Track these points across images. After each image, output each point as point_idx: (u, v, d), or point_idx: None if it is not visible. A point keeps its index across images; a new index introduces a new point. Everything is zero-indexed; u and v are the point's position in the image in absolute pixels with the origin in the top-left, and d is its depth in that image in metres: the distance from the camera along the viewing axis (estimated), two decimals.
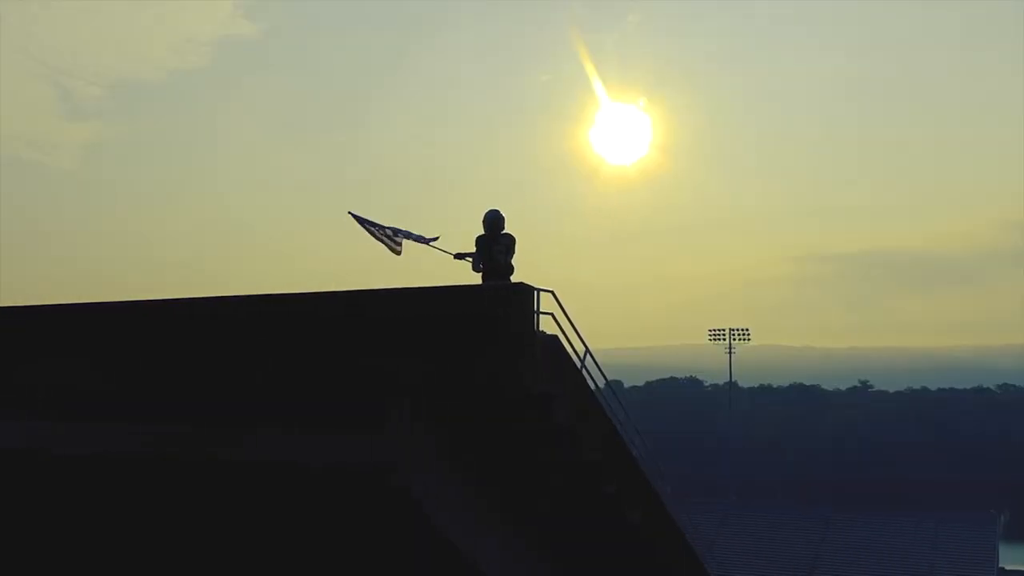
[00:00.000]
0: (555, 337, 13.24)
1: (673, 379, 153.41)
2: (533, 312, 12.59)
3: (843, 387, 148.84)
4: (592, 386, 14.41)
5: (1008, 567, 58.94)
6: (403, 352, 12.61)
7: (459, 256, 14.91)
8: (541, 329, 12.81)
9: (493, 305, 12.49)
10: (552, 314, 13.21)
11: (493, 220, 14.63)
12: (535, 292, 12.66)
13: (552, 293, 13.11)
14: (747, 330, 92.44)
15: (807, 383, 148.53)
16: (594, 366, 14.38)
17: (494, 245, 14.48)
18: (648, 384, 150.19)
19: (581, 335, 13.76)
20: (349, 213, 15.08)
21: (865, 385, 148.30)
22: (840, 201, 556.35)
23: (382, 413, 12.50)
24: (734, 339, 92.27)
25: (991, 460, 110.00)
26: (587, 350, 14.00)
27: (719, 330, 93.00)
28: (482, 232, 14.70)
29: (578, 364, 13.92)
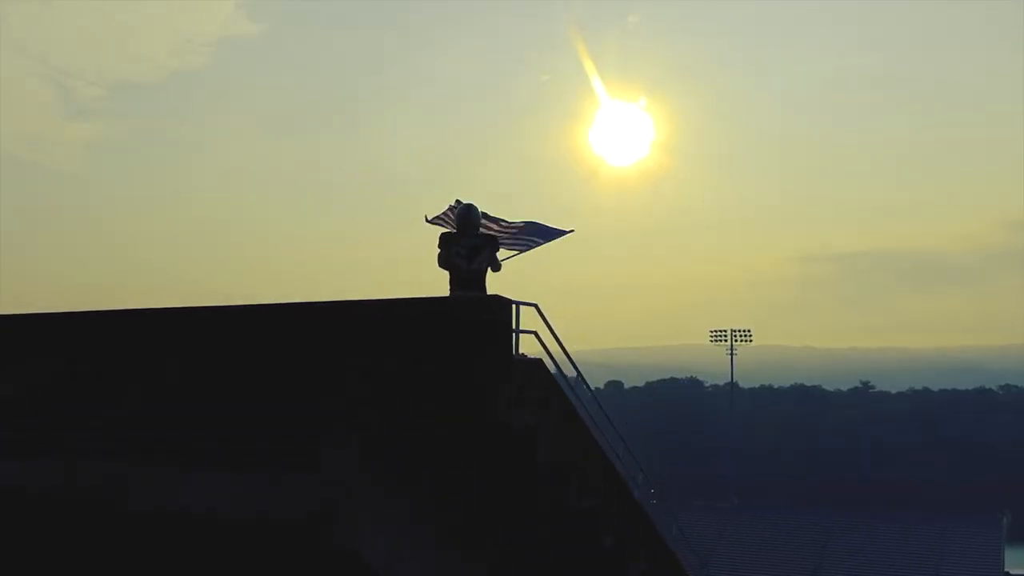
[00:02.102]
0: (539, 360, 10.82)
1: (674, 379, 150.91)
2: (511, 331, 10.16)
3: (844, 388, 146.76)
4: (584, 414, 12.05)
5: (1013, 571, 56.98)
6: (347, 374, 10.23)
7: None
8: (522, 352, 10.46)
9: (453, 321, 10.09)
10: (536, 332, 10.85)
11: (461, 217, 11.98)
12: (514, 306, 10.24)
13: (536, 307, 10.70)
14: (748, 331, 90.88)
15: (808, 384, 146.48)
16: (587, 391, 12.05)
17: (453, 247, 11.85)
18: (648, 384, 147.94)
19: (571, 357, 11.39)
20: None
21: (866, 386, 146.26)
22: (840, 201, 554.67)
23: (318, 447, 10.07)
24: (735, 340, 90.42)
25: (993, 461, 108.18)
26: (579, 375, 11.62)
27: (720, 330, 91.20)
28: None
29: (567, 390, 11.52)
